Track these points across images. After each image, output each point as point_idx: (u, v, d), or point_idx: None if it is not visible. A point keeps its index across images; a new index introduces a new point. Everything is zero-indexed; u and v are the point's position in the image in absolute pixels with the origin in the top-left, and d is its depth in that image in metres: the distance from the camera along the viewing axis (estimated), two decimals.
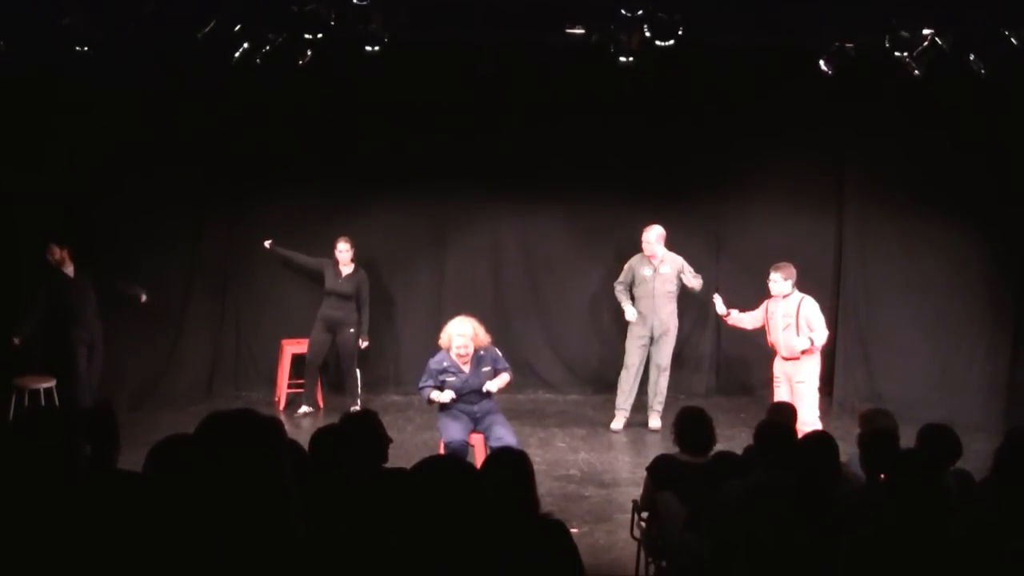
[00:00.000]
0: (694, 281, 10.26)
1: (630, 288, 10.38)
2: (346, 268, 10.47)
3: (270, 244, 10.70)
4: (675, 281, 10.28)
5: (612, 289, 10.53)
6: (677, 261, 10.32)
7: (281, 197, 10.96)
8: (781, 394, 9.13)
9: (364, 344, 10.57)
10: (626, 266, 10.44)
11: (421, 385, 8.19)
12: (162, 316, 10.60)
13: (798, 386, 9.10)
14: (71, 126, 9.88)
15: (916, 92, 9.26)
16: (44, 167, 9.78)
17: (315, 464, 4.71)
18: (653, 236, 10.27)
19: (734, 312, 9.72)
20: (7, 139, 9.57)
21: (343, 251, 10.41)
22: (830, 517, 4.45)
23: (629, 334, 10.43)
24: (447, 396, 8.00)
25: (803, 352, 9.06)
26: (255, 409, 2.68)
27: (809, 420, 8.76)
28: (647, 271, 10.26)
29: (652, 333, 10.30)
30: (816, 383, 9.18)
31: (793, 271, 9.24)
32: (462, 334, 8.10)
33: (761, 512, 4.59)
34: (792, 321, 9.14)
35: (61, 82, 9.44)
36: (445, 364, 8.13)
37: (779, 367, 9.29)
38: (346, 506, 4.27)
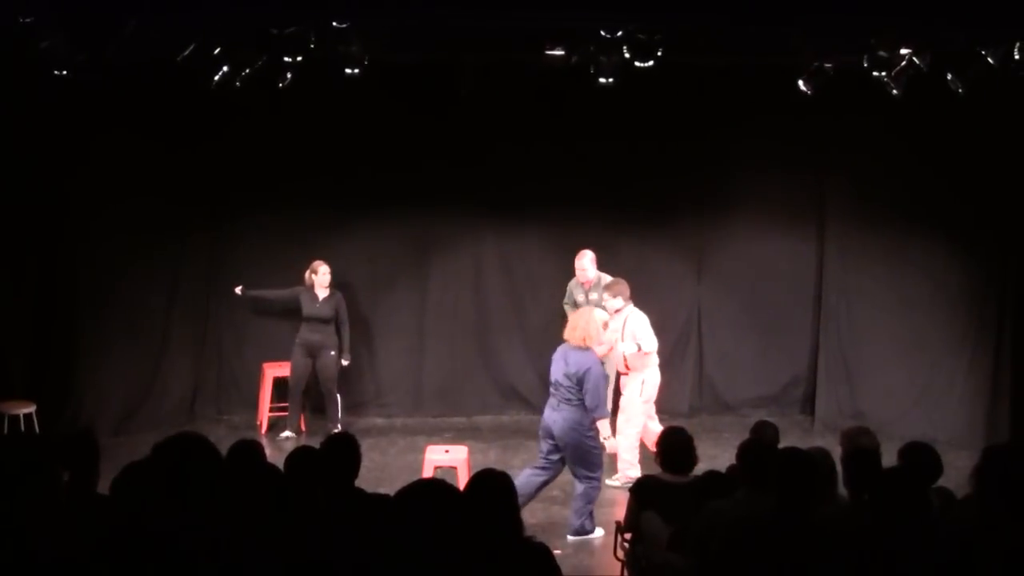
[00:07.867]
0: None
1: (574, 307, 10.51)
2: (323, 292, 10.45)
3: (241, 290, 10.71)
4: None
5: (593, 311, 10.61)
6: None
7: (263, 219, 10.94)
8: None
9: (347, 362, 10.59)
10: (568, 287, 10.59)
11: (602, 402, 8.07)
12: (144, 340, 10.57)
13: (621, 400, 9.25)
14: (52, 147, 9.79)
15: (896, 110, 9.31)
16: (25, 188, 9.69)
17: (291, 485, 4.68)
18: (587, 262, 10.37)
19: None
20: None
21: (324, 274, 10.40)
22: (813, 536, 4.44)
23: None
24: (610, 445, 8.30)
25: (633, 356, 9.17)
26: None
27: (625, 433, 9.07)
28: (580, 297, 10.42)
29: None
30: (640, 400, 9.27)
31: (622, 288, 9.39)
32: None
33: (744, 531, 4.58)
34: (619, 336, 9.25)
35: (42, 102, 9.36)
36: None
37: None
38: (321, 528, 4.25)
